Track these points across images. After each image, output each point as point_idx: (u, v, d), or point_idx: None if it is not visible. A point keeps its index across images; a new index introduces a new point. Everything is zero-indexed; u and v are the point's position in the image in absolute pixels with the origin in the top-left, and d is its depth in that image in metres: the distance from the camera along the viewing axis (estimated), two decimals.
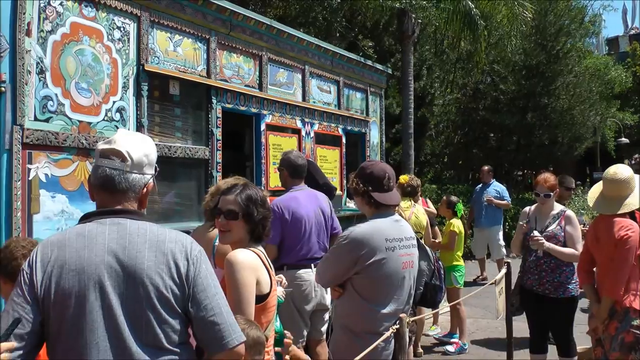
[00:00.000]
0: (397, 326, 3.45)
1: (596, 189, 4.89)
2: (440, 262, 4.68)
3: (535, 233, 5.29)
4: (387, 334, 3.42)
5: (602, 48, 37.13)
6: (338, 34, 13.86)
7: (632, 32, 47.55)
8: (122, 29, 4.53)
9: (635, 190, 4.68)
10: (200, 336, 2.17)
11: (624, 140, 25.19)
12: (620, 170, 4.76)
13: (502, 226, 11.76)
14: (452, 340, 7.44)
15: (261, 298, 2.91)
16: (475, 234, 11.66)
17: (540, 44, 18.55)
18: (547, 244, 5.23)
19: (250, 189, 3.14)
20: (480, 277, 11.43)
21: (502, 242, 11.49)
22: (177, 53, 5.16)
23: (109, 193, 2.18)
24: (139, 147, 2.25)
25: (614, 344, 4.54)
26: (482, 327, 8.30)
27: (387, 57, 15.68)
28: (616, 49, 39.77)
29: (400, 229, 3.62)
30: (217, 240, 3.44)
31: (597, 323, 4.65)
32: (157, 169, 2.36)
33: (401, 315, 3.50)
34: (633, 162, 31.13)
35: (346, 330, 3.54)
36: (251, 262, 2.92)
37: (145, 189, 2.27)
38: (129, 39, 4.60)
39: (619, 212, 4.62)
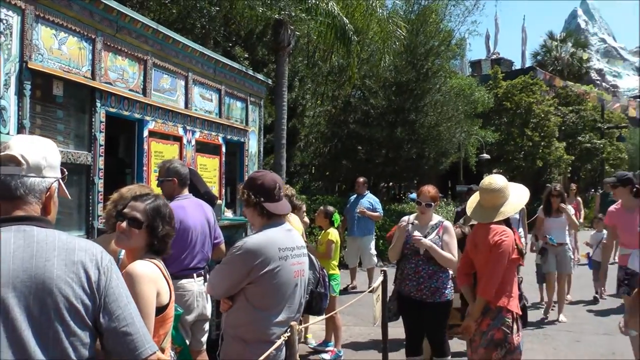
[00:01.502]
0: (289, 334, 3.54)
1: (474, 199, 5.25)
2: (324, 271, 4.79)
3: (417, 233, 5.65)
4: (279, 341, 3.50)
5: (466, 70, 39.39)
6: (213, 42, 13.84)
7: (494, 56, 50.97)
8: (4, 21, 4.31)
9: (510, 199, 5.05)
10: (111, 348, 2.11)
11: (485, 156, 26.90)
12: (495, 180, 5.12)
13: (374, 236, 12.24)
14: (328, 348, 7.67)
15: (160, 309, 2.92)
16: (348, 243, 12.09)
17: (410, 63, 19.43)
18: (428, 242, 5.59)
19: (161, 202, 3.15)
20: (351, 286, 11.87)
21: (373, 252, 12.07)
22: (61, 51, 4.98)
23: (7, 200, 2.09)
24: (35, 149, 2.16)
25: (483, 339, 4.86)
26: (356, 335, 8.63)
27: (260, 67, 15.84)
28: (479, 71, 42.41)
29: (292, 238, 3.71)
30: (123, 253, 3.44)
31: (470, 321, 4.96)
32: (65, 172, 2.28)
33: (292, 323, 3.59)
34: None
35: (238, 339, 3.55)
36: (151, 274, 2.92)
37: (48, 193, 2.19)
38: (11, 33, 4.39)
39: (494, 220, 4.96)
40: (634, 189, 7.03)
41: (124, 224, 3.02)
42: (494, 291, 4.85)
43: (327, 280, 4.76)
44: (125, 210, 3.08)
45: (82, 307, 2.01)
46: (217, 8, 12.85)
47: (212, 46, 13.35)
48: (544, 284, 9.96)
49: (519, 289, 5.22)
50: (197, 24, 12.77)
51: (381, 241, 14.16)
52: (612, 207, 7.43)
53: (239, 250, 3.52)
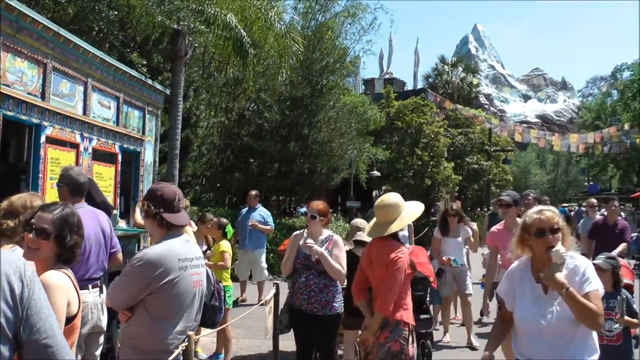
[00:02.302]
0: (186, 344, 3.69)
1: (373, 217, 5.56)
2: (220, 284, 4.86)
3: (310, 240, 5.82)
4: (177, 351, 3.61)
5: (359, 87, 40.47)
6: (108, 46, 13.73)
7: (387, 76, 52.53)
8: None
9: (402, 215, 5.30)
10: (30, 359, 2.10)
11: (376, 173, 27.60)
12: (388, 197, 5.41)
13: (265, 249, 12.52)
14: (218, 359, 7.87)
15: (69, 320, 2.98)
16: (239, 256, 12.28)
17: (306, 78, 19.79)
18: (320, 250, 5.76)
19: (68, 211, 3.21)
20: (241, 299, 12.10)
21: (264, 265, 12.37)
22: None
23: None
24: None
25: (380, 351, 5.11)
26: (246, 347, 8.82)
27: (154, 75, 15.79)
28: (372, 89, 43.54)
29: (190, 249, 3.85)
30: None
31: (368, 335, 5.19)
32: None
33: (189, 333, 3.74)
34: (381, 193, 34.23)
35: (137, 350, 3.62)
36: (63, 284, 3.00)
37: None
38: None
39: (385, 234, 5.20)
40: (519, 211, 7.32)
41: (32, 235, 3.05)
42: (391, 307, 5.10)
43: (222, 293, 4.81)
44: (33, 220, 3.10)
45: (5, 320, 1.99)
46: (116, 12, 12.76)
47: (107, 50, 13.25)
48: (435, 305, 9.59)
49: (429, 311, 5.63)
50: (94, 27, 12.63)
51: (271, 254, 14.43)
52: (494, 228, 7.65)
53: (139, 262, 3.59)
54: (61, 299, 2.93)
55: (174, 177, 13.40)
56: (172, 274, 3.59)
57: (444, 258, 9.30)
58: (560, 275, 3.48)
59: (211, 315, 4.57)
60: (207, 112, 19.23)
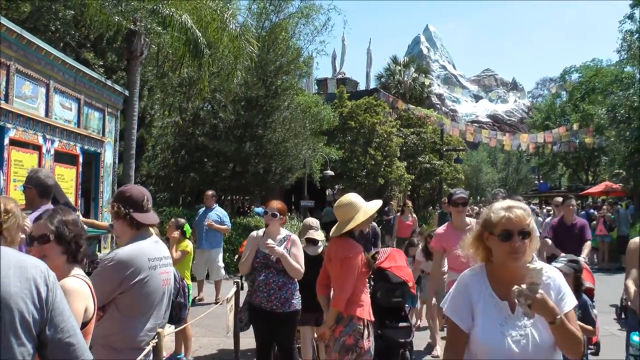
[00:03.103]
0: (156, 340, 3.84)
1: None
2: (184, 282, 5.01)
3: (270, 241, 6.02)
4: (148, 348, 3.75)
5: (312, 87, 40.73)
6: (63, 45, 13.70)
7: (340, 76, 52.91)
8: None
9: (358, 214, 5.38)
10: (54, 357, 2.31)
11: (329, 172, 27.90)
12: (345, 197, 5.58)
13: (222, 249, 12.71)
14: (178, 358, 8.03)
15: (83, 324, 3.06)
16: (196, 255, 12.35)
17: (261, 79, 20.00)
18: (280, 250, 5.99)
19: (58, 211, 3.25)
20: (198, 298, 12.27)
21: (221, 264, 12.57)
22: None
23: None
24: None
25: (336, 344, 5.30)
26: (205, 345, 9.02)
27: (109, 74, 15.78)
28: (325, 89, 43.86)
29: (159, 249, 4.02)
30: None
31: (324, 329, 5.41)
32: None
33: (159, 330, 3.89)
34: (335, 192, 34.62)
35: (108, 348, 3.70)
36: (82, 291, 3.11)
37: None
38: None
39: (342, 232, 5.37)
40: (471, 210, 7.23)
41: (35, 246, 3.15)
42: (344, 303, 5.27)
43: (186, 290, 5.03)
44: (32, 232, 3.20)
45: (32, 320, 2.21)
46: (72, 11, 12.73)
47: (62, 49, 13.22)
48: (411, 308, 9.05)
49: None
50: (50, 26, 12.59)
51: (227, 254, 14.63)
52: (440, 229, 7.20)
53: (110, 262, 3.72)
54: (79, 304, 3.04)
55: (131, 177, 13.44)
56: (143, 273, 3.74)
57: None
58: (549, 300, 2.83)
59: (177, 312, 4.72)
60: (161, 111, 19.24)
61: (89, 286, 3.21)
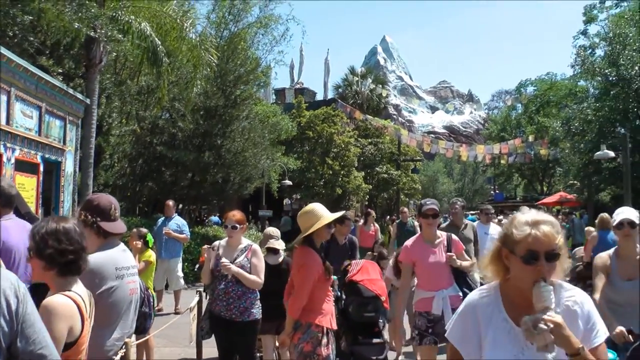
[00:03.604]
0: (124, 350, 3.85)
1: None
2: (149, 291, 5.13)
3: (224, 260, 6.10)
4: (117, 358, 3.76)
5: (270, 97, 40.84)
6: (20, 51, 13.53)
7: (298, 86, 53.08)
8: None
9: (317, 223, 5.40)
10: None
11: (287, 182, 28.06)
12: (308, 206, 5.65)
13: (181, 258, 12.72)
14: None
15: (70, 344, 2.99)
16: (156, 265, 12.38)
17: (220, 88, 20.09)
18: (235, 268, 6.06)
19: (46, 223, 3.14)
20: (157, 308, 12.20)
21: (180, 274, 12.57)
22: None
23: None
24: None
25: (295, 351, 5.36)
26: (166, 355, 8.98)
27: (66, 81, 15.63)
28: (283, 99, 43.96)
29: (126, 258, 4.03)
30: None
31: (283, 336, 5.47)
32: None
33: (126, 340, 3.89)
34: (292, 201, 34.73)
35: None
36: (65, 310, 2.98)
37: None
38: None
39: (300, 238, 5.45)
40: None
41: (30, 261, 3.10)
42: (298, 310, 5.31)
43: (151, 300, 5.14)
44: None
45: (2, 333, 2.18)
46: (31, 17, 12.61)
47: (19, 55, 13.04)
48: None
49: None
50: (8, 32, 12.46)
51: (186, 264, 14.62)
52: (408, 242, 6.59)
53: None
54: (61, 325, 2.92)
55: (89, 186, 13.31)
56: (110, 282, 3.75)
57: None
58: (566, 328, 2.35)
59: (142, 321, 4.86)
60: (119, 120, 19.11)
61: (77, 302, 3.07)
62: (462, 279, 6.40)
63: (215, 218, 25.06)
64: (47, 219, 3.21)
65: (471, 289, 5.55)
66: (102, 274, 3.71)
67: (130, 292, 3.94)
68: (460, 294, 6.20)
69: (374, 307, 6.49)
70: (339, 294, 6.90)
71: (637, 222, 5.18)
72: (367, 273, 6.64)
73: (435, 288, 6.21)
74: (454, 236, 6.61)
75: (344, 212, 6.22)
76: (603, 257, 5.37)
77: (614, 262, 5.27)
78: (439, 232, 6.56)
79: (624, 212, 5.31)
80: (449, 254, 6.31)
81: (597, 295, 5.09)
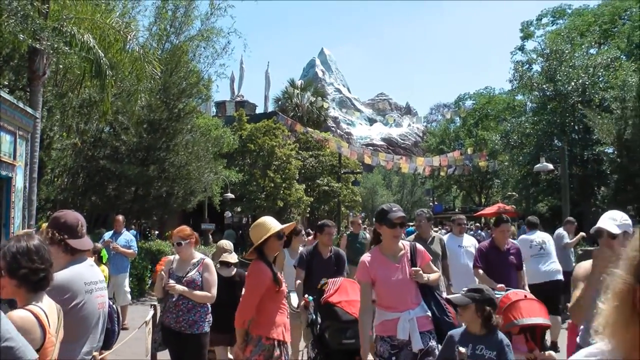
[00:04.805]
0: None
1: None
2: (113, 307, 5.11)
3: (171, 281, 6.26)
4: None
5: (211, 110, 40.85)
6: None
7: (238, 99, 53.18)
8: None
9: (266, 234, 5.41)
10: None
11: (230, 195, 28.16)
12: (260, 219, 5.70)
13: (128, 274, 12.72)
14: None
15: None
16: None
17: (164, 102, 20.07)
18: (180, 288, 6.21)
19: (16, 242, 3.19)
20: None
21: (127, 289, 12.56)
22: None
23: None
24: None
25: None
26: None
27: (9, 94, 15.36)
28: (224, 112, 44.05)
29: (94, 273, 4.06)
30: None
31: (236, 349, 5.55)
32: None
33: (94, 353, 3.93)
34: (234, 214, 34.69)
35: None
36: (25, 324, 2.96)
37: None
38: None
39: (249, 252, 5.60)
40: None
41: None
42: (244, 322, 5.37)
43: (114, 316, 5.15)
44: None
45: None
46: None
47: None
48: None
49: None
50: None
51: (131, 279, 14.58)
52: (365, 257, 5.46)
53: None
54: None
55: (33, 202, 13.01)
56: (79, 297, 3.77)
57: None
58: None
59: (107, 337, 4.73)
60: (60, 133, 18.87)
61: (38, 316, 3.08)
62: (431, 296, 5.43)
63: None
64: (14, 237, 3.30)
65: (443, 308, 5.31)
66: (71, 289, 3.76)
67: (99, 307, 4.00)
68: (429, 313, 5.30)
69: (354, 332, 5.61)
70: (314, 317, 6.66)
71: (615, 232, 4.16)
72: (345, 293, 6.15)
73: (400, 308, 5.18)
74: (418, 245, 5.65)
75: (293, 223, 6.34)
76: (585, 266, 4.53)
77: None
78: (402, 243, 5.52)
79: (602, 219, 4.37)
80: (413, 268, 5.31)
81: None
